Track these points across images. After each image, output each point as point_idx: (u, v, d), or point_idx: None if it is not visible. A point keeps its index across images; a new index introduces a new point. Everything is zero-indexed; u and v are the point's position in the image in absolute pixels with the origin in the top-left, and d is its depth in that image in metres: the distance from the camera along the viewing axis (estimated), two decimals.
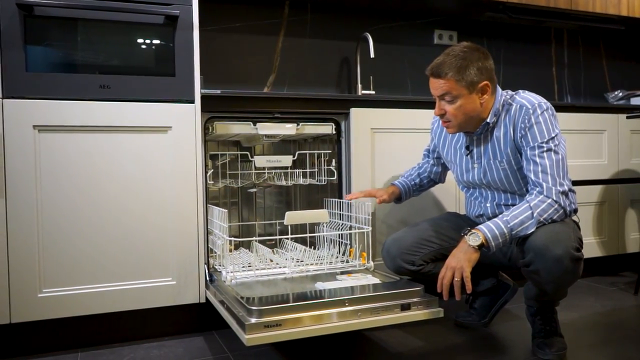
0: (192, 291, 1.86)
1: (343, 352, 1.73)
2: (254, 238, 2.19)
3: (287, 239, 2.00)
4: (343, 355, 1.70)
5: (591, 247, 2.60)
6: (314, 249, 2.12)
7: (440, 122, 1.76)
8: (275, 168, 2.15)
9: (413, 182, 2.02)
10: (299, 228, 2.08)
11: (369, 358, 1.69)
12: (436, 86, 1.67)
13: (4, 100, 1.65)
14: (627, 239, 2.70)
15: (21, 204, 1.67)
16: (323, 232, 2.05)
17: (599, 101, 3.41)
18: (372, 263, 1.94)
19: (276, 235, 2.27)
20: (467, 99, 1.65)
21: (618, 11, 3.06)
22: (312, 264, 1.96)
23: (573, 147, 2.53)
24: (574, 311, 2.11)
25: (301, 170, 2.21)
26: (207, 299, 1.86)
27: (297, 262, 1.98)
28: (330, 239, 2.09)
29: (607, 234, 2.64)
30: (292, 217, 1.82)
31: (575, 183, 2.54)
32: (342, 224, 2.04)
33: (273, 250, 2.15)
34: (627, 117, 2.58)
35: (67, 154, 1.72)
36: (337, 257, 2.02)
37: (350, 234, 2.01)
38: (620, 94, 3.17)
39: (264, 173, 2.19)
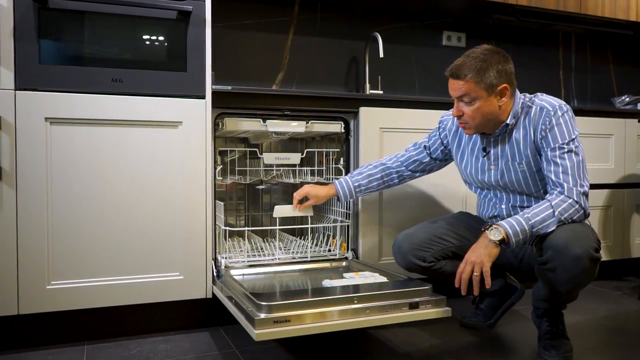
0: (199, 286, 1.87)
1: (348, 350, 1.73)
2: (246, 228, 2.22)
3: (275, 229, 2.09)
4: (348, 354, 1.71)
5: None
6: (303, 239, 2.20)
7: (457, 122, 1.76)
8: (283, 165, 2.16)
9: (359, 183, 1.93)
10: (289, 220, 2.20)
11: (374, 357, 1.69)
12: (455, 87, 1.67)
13: (17, 92, 1.65)
14: (632, 244, 2.70)
15: (31, 195, 1.68)
16: (309, 224, 2.10)
17: (605, 106, 3.41)
18: (350, 253, 2.13)
19: (271, 227, 2.28)
20: (486, 101, 1.65)
21: (627, 16, 3.06)
22: (297, 252, 2.09)
23: None
24: (578, 314, 2.11)
25: (309, 168, 2.21)
26: (213, 294, 1.86)
27: (285, 250, 2.11)
28: (317, 231, 2.21)
29: (612, 238, 2.64)
30: (280, 210, 1.99)
31: None
32: (328, 217, 2.20)
33: (264, 239, 2.23)
34: (639, 121, 2.58)
35: (78, 147, 1.73)
36: (320, 247, 2.13)
37: (334, 226, 2.14)
38: (627, 99, 3.17)
39: (272, 170, 2.20)
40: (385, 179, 1.96)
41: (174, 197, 1.84)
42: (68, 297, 1.72)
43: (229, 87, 1.92)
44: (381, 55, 2.59)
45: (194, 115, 1.85)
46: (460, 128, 1.83)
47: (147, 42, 1.81)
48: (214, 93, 1.89)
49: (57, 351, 1.72)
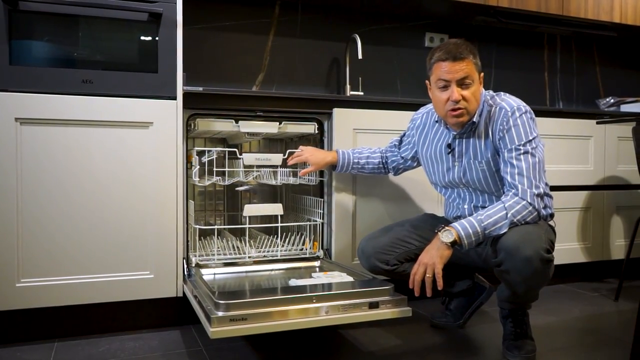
0: (170, 285, 1.88)
1: (316, 349, 1.75)
2: (217, 226, 2.23)
3: (246, 228, 2.10)
4: (316, 353, 1.72)
5: (575, 253, 2.60)
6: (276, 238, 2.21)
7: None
8: (264, 166, 2.10)
9: (358, 160, 2.01)
10: (264, 219, 2.23)
11: (340, 356, 1.71)
12: (457, 69, 1.62)
13: None
14: (612, 246, 2.70)
15: (1, 194, 1.70)
16: (281, 223, 2.11)
17: (591, 107, 3.41)
18: (321, 251, 2.14)
19: (242, 226, 2.24)
20: (477, 85, 1.67)
21: (610, 18, 3.06)
22: (269, 250, 2.11)
23: (559, 153, 2.54)
24: (551, 315, 2.11)
25: (291, 169, 2.14)
26: (184, 293, 1.88)
27: (257, 249, 2.12)
28: (291, 230, 2.22)
29: (591, 240, 2.64)
30: (250, 209, 2.03)
31: (561, 188, 2.57)
32: (302, 216, 2.24)
33: (239, 239, 2.24)
34: (597, 123, 2.54)
35: (48, 147, 1.75)
36: (292, 246, 2.14)
37: (307, 225, 2.15)
38: (612, 101, 3.17)
39: (253, 171, 2.14)
40: (379, 167, 2.04)
41: (145, 196, 1.86)
42: (38, 294, 1.74)
43: (200, 88, 1.94)
44: (360, 56, 2.60)
45: (165, 116, 1.87)
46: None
47: (118, 44, 1.83)
48: (185, 94, 1.91)
49: (27, 348, 1.74)
